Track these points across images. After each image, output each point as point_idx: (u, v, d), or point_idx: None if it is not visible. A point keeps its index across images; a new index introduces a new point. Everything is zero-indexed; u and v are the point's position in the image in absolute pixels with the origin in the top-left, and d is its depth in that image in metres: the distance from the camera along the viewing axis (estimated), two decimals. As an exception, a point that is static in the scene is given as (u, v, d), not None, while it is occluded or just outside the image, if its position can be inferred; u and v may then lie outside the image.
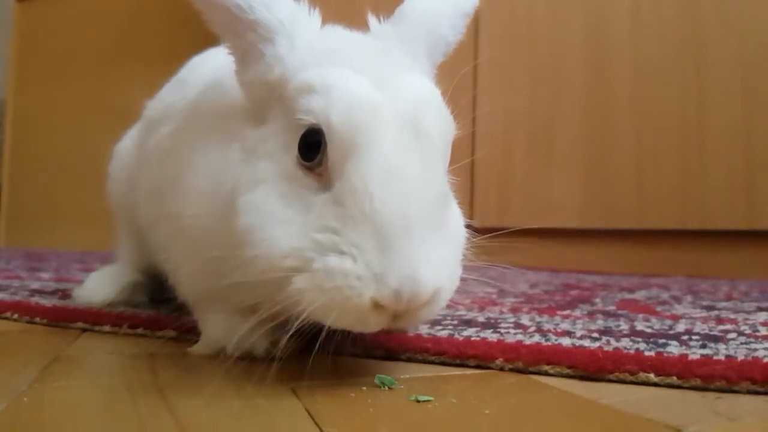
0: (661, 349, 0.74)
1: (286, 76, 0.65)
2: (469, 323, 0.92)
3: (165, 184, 0.77)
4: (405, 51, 0.71)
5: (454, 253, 0.65)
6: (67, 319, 0.96)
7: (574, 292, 1.43)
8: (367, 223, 0.57)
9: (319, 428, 0.49)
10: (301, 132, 0.62)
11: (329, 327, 0.61)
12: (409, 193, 0.58)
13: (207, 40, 1.03)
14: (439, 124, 0.64)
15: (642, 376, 0.66)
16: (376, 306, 0.56)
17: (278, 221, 0.60)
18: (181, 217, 0.72)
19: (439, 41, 0.77)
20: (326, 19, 0.72)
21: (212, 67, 0.86)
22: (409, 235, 0.57)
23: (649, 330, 0.88)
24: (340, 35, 0.73)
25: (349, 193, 0.58)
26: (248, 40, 0.67)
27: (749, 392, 0.62)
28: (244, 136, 0.68)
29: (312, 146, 0.61)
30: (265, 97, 0.68)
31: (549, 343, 0.77)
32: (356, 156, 0.58)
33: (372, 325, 0.58)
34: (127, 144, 1.14)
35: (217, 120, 0.74)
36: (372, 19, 0.74)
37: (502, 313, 1.05)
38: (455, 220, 0.68)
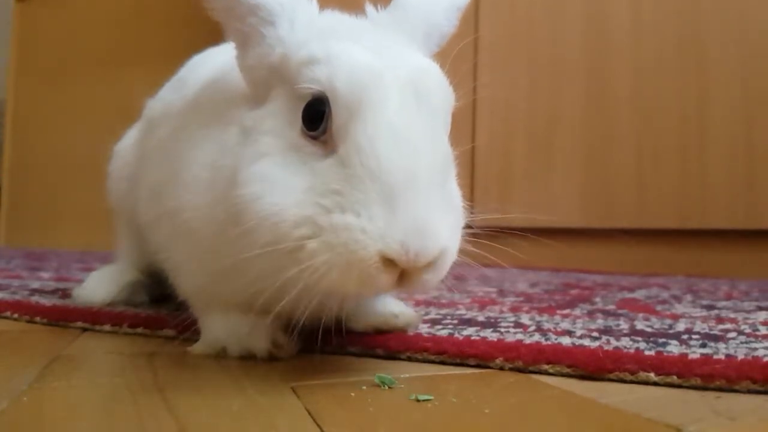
0: (661, 349, 0.74)
1: (288, 54, 0.66)
2: (469, 322, 0.92)
3: (165, 181, 0.77)
4: (402, 34, 0.73)
5: (457, 222, 0.65)
6: (67, 318, 0.96)
7: (574, 292, 1.43)
8: (372, 180, 0.58)
9: (320, 428, 0.49)
10: (305, 102, 0.63)
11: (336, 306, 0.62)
12: (416, 151, 0.59)
13: (207, 39, 1.03)
14: (440, 91, 0.65)
15: (642, 375, 0.66)
16: (384, 261, 0.56)
17: (283, 189, 0.61)
18: (181, 212, 0.72)
19: (433, 30, 0.78)
20: (324, 8, 0.74)
21: (212, 66, 0.86)
22: (415, 191, 0.57)
23: (649, 329, 0.88)
24: (338, 17, 0.75)
25: (355, 152, 0.59)
26: (249, 24, 0.69)
27: (749, 391, 0.62)
28: (243, 118, 0.69)
29: (316, 116, 0.62)
30: (266, 79, 0.69)
31: (549, 343, 0.77)
32: (361, 118, 0.60)
33: (379, 283, 0.58)
34: (127, 143, 1.14)
35: (215, 111, 0.74)
36: (370, 8, 0.76)
37: (502, 312, 1.05)
38: (456, 193, 0.68)
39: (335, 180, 0.59)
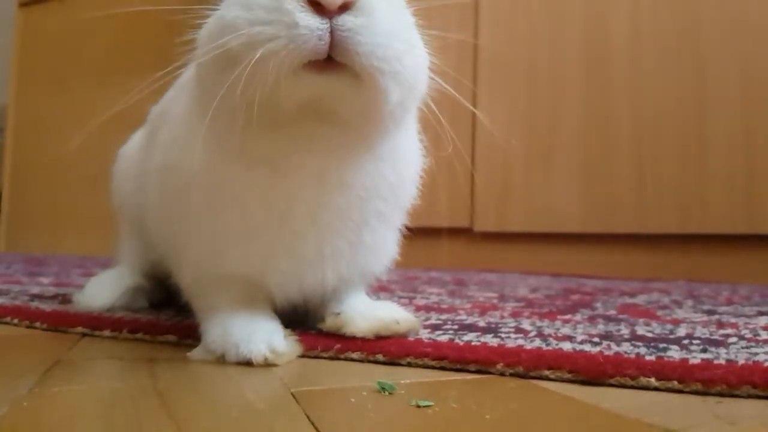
0: (661, 354, 0.74)
1: None
2: (469, 328, 0.92)
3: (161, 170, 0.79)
4: None
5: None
6: (67, 323, 0.96)
7: (574, 297, 1.43)
8: None
9: (320, 433, 0.49)
10: None
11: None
12: None
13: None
14: None
15: (643, 380, 0.66)
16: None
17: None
18: (169, 151, 0.75)
19: None
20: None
21: None
22: None
23: (649, 334, 0.88)
24: None
25: None
26: None
27: (750, 396, 0.61)
28: None
29: None
30: None
31: (550, 348, 0.77)
32: None
33: (302, 24, 0.60)
34: (132, 146, 1.15)
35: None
36: None
37: (502, 317, 1.05)
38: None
39: None
